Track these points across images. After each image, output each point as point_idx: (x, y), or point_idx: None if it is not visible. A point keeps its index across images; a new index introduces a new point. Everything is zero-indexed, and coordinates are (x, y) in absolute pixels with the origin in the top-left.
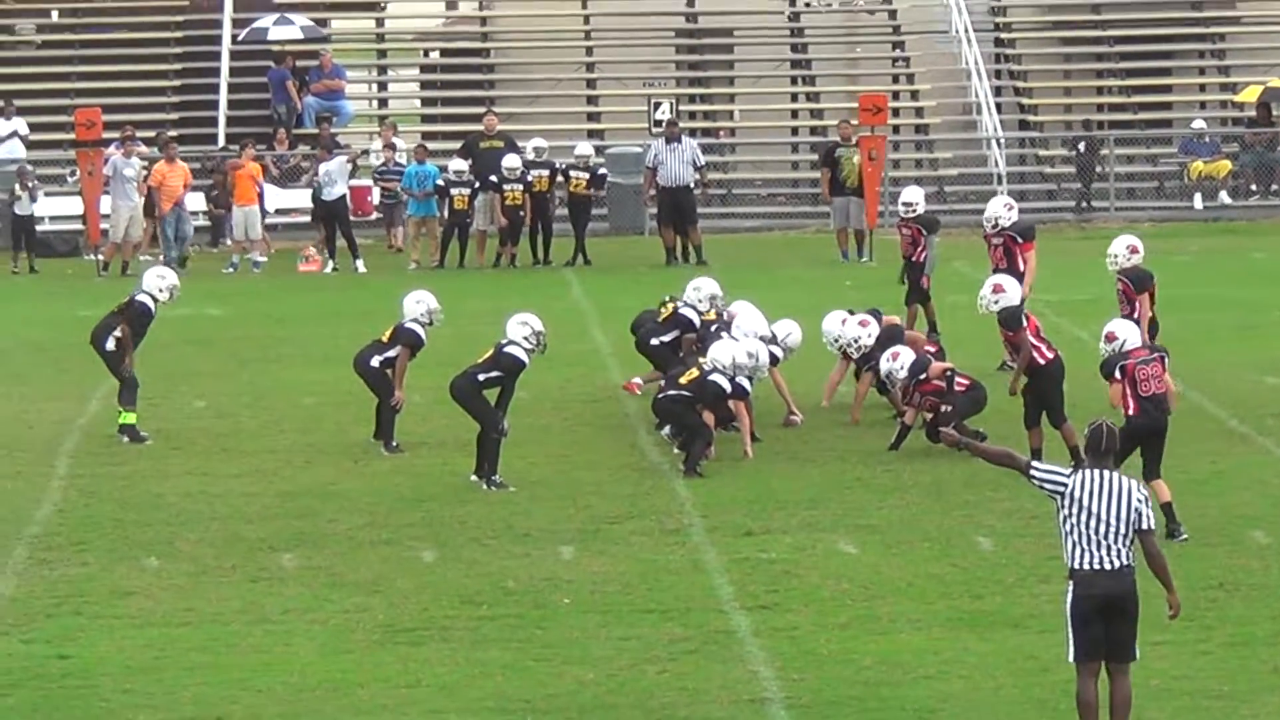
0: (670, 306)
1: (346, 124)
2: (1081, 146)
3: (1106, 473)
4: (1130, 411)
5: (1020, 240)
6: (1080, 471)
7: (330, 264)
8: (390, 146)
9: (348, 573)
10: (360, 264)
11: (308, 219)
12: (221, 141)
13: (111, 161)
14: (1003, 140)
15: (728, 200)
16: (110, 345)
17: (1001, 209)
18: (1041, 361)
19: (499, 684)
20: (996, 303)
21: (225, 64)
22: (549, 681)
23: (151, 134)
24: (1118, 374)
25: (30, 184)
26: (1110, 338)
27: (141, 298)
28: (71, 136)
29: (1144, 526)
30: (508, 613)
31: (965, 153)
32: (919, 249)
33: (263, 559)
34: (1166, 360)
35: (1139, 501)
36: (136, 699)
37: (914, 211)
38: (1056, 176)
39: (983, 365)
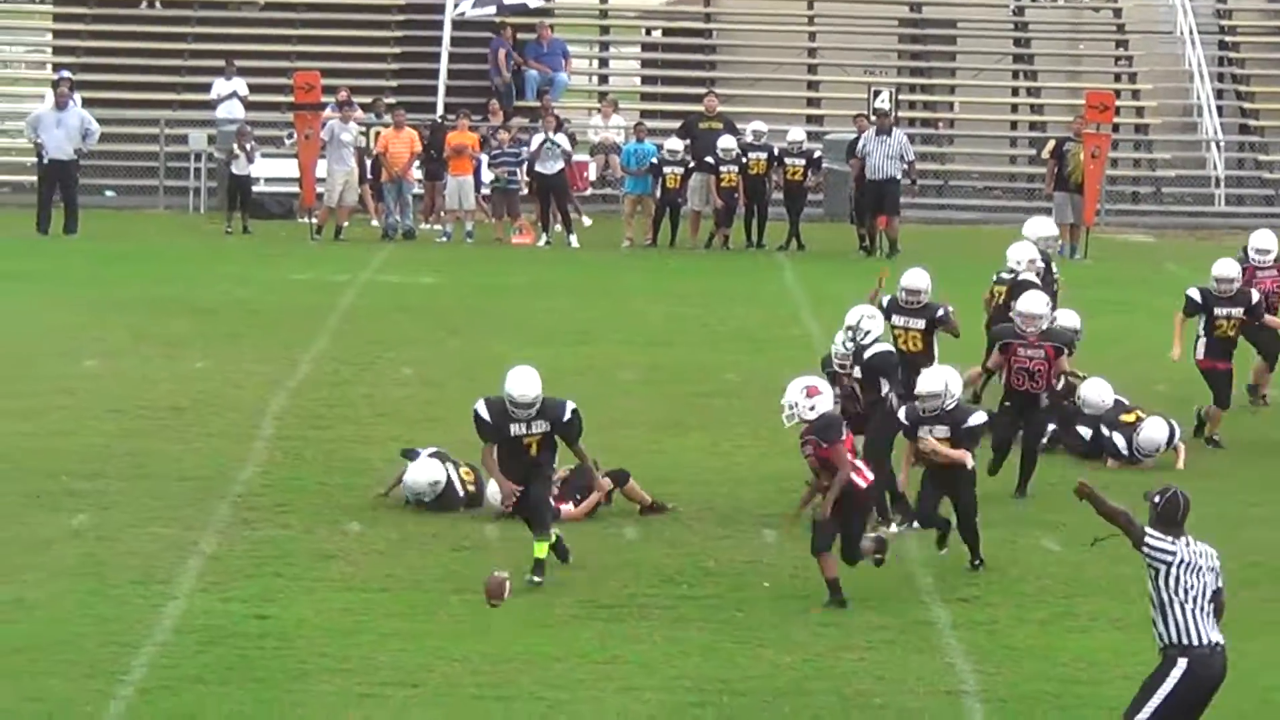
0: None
1: (559, 95)
2: None
3: (1194, 541)
4: None
5: None
6: (1182, 538)
7: (544, 237)
8: (506, 128)
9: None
10: (574, 239)
11: (523, 191)
12: (440, 110)
13: (329, 125)
14: (1222, 143)
15: (943, 192)
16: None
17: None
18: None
19: (696, 664)
20: (812, 409)
21: (447, 33)
22: (745, 664)
23: (368, 100)
24: None
25: (248, 145)
26: None
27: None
28: (290, 99)
29: (1219, 585)
30: (707, 593)
31: (1184, 154)
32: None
33: (465, 528)
34: None
35: (1217, 564)
36: (332, 662)
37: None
38: (1275, 182)
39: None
